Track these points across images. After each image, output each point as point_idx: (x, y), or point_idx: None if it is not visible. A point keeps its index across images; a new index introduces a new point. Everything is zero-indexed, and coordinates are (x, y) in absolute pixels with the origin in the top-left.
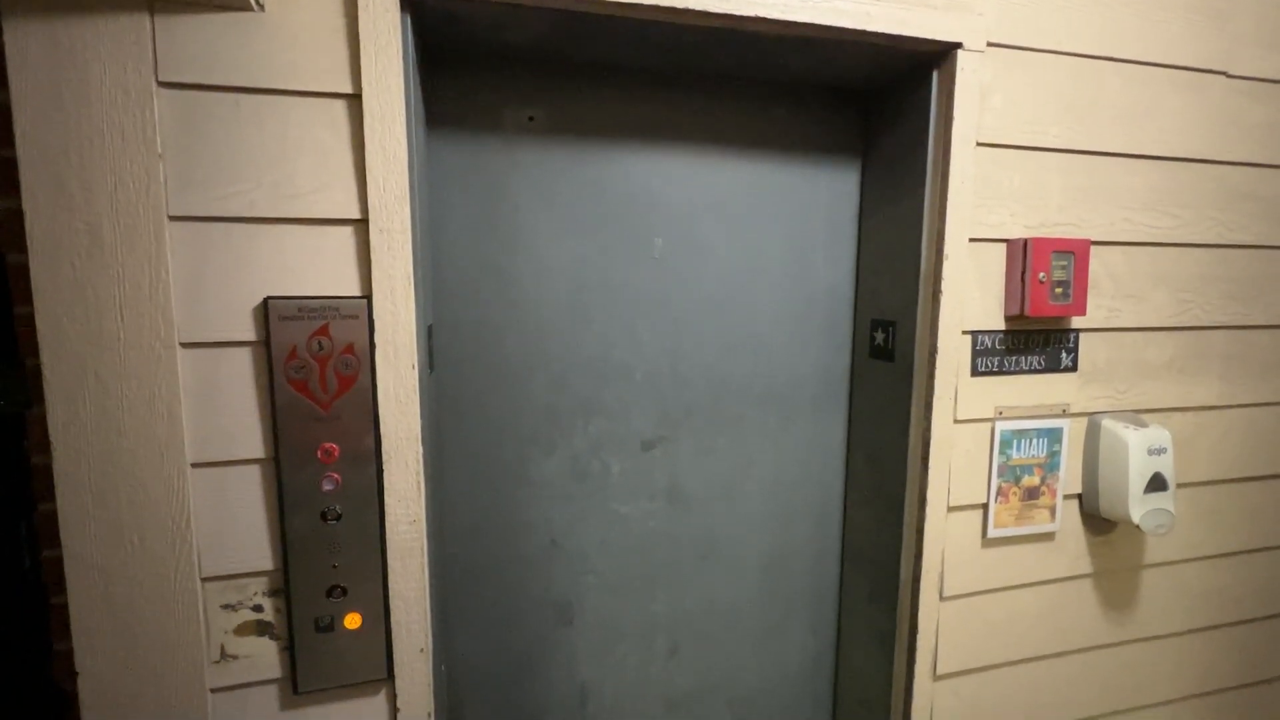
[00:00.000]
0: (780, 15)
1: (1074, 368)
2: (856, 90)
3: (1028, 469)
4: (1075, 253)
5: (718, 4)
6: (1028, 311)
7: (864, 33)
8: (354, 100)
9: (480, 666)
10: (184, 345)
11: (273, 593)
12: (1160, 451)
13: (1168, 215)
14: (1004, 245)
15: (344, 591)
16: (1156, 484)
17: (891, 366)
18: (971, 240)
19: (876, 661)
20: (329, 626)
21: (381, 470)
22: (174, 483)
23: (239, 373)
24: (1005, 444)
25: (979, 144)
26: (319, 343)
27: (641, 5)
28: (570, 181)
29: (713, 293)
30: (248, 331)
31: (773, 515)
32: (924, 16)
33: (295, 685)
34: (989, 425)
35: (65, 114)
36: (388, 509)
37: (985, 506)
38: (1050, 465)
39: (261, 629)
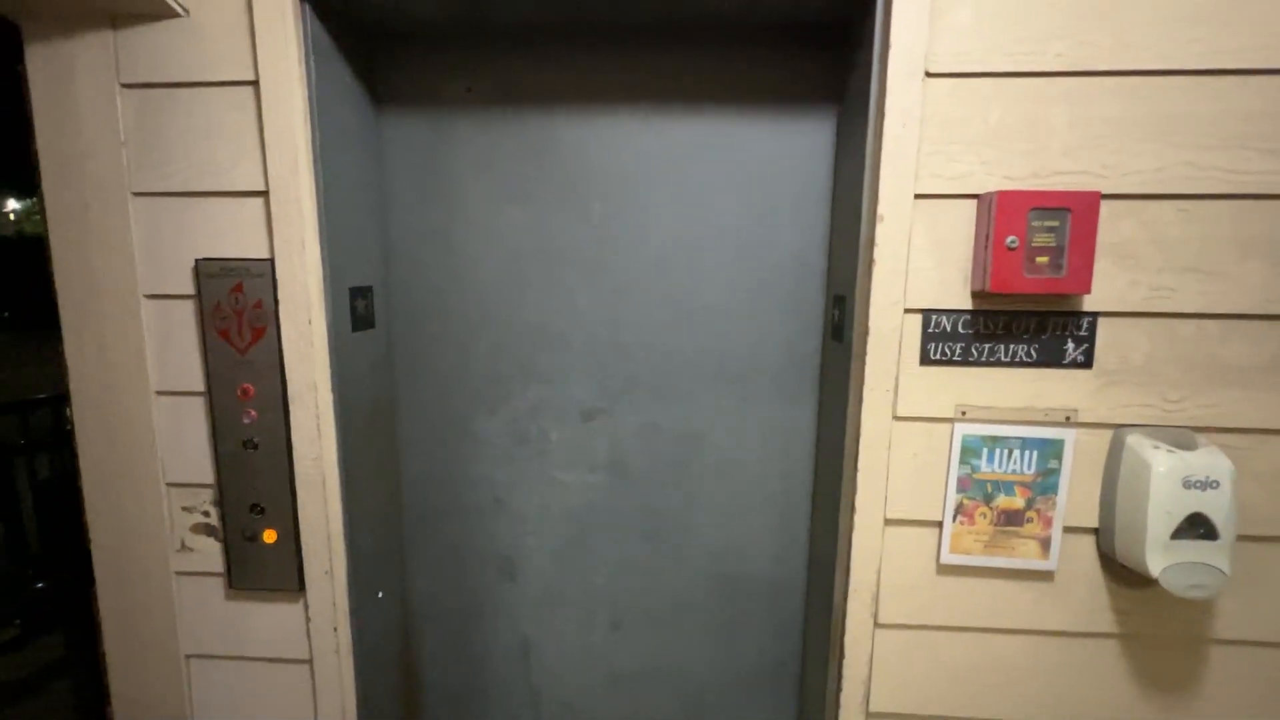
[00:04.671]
0: None
1: (1086, 363)
2: (826, 27)
3: (1006, 487)
4: (1072, 210)
5: None
6: (988, 286)
7: None
8: (256, 86)
9: (433, 605)
10: (147, 296)
11: (216, 503)
12: (1207, 485)
13: (1268, 154)
14: (974, 203)
15: (262, 510)
16: (1197, 528)
17: (841, 348)
18: (919, 197)
19: (818, 683)
20: (253, 537)
21: (288, 411)
22: (145, 406)
23: (184, 320)
24: (970, 452)
25: (930, 74)
26: (235, 298)
27: None
28: (508, 149)
29: (656, 259)
30: (188, 286)
31: (726, 502)
32: None
33: (231, 581)
34: (946, 426)
35: (63, 115)
36: (295, 445)
37: (939, 525)
38: (1042, 486)
39: (209, 531)
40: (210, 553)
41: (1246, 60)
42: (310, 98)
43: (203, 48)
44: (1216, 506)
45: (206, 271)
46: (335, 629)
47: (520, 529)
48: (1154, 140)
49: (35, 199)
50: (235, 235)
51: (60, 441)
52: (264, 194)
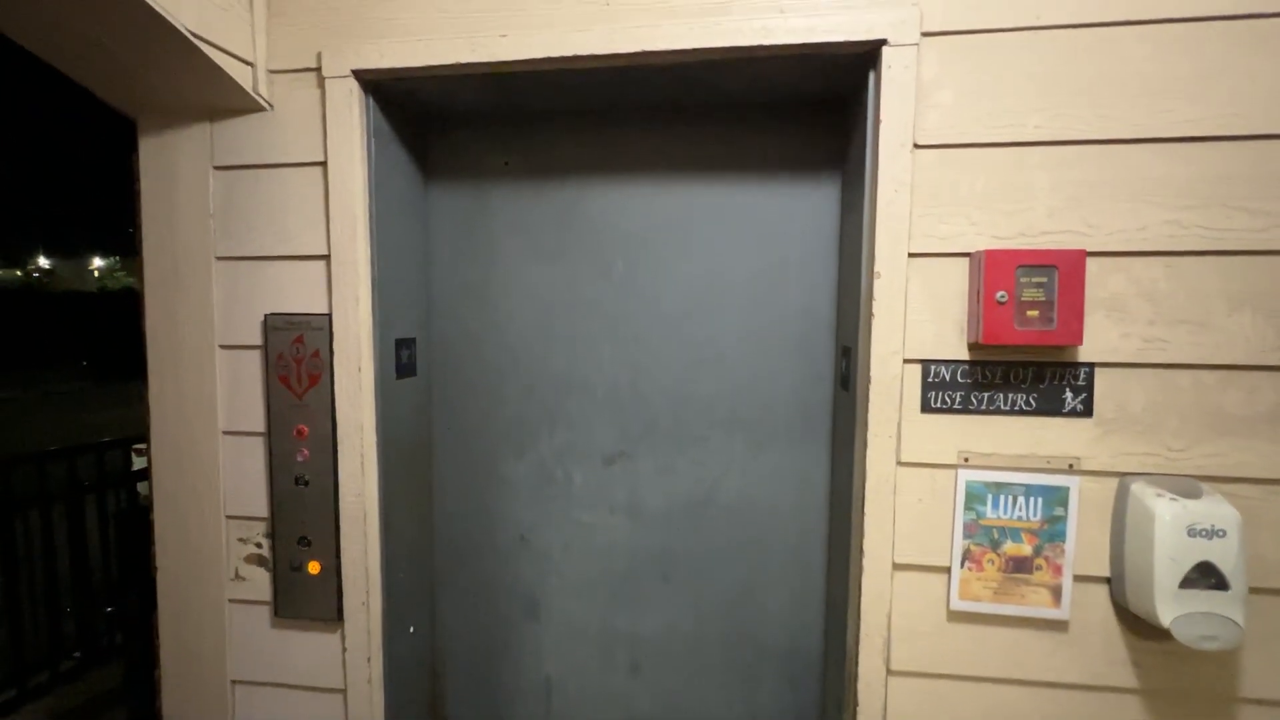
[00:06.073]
0: (667, 45)
1: (1086, 412)
2: (827, 102)
3: (1012, 533)
4: (1059, 267)
5: (602, 45)
6: (981, 339)
7: (770, 47)
8: (325, 166)
9: (459, 641)
10: (221, 347)
11: (268, 535)
12: (1213, 534)
13: (1248, 213)
14: (966, 260)
15: (309, 543)
16: (1207, 578)
17: (848, 397)
18: (913, 255)
19: None
20: (299, 568)
21: (336, 450)
22: (213, 444)
23: (251, 368)
24: (975, 497)
25: (919, 146)
26: (296, 348)
27: (536, 59)
28: (539, 213)
29: (673, 312)
30: (256, 338)
31: (742, 546)
32: (835, 20)
33: (276, 610)
34: (950, 472)
35: (165, 192)
36: (340, 482)
37: (947, 570)
38: (1049, 533)
39: (261, 561)
40: (260, 582)
41: (1215, 128)
42: (369, 175)
43: (282, 135)
44: (1224, 555)
45: (273, 325)
46: (369, 660)
47: (544, 568)
48: (1134, 201)
49: (117, 259)
50: (299, 293)
51: (128, 480)
52: (326, 258)
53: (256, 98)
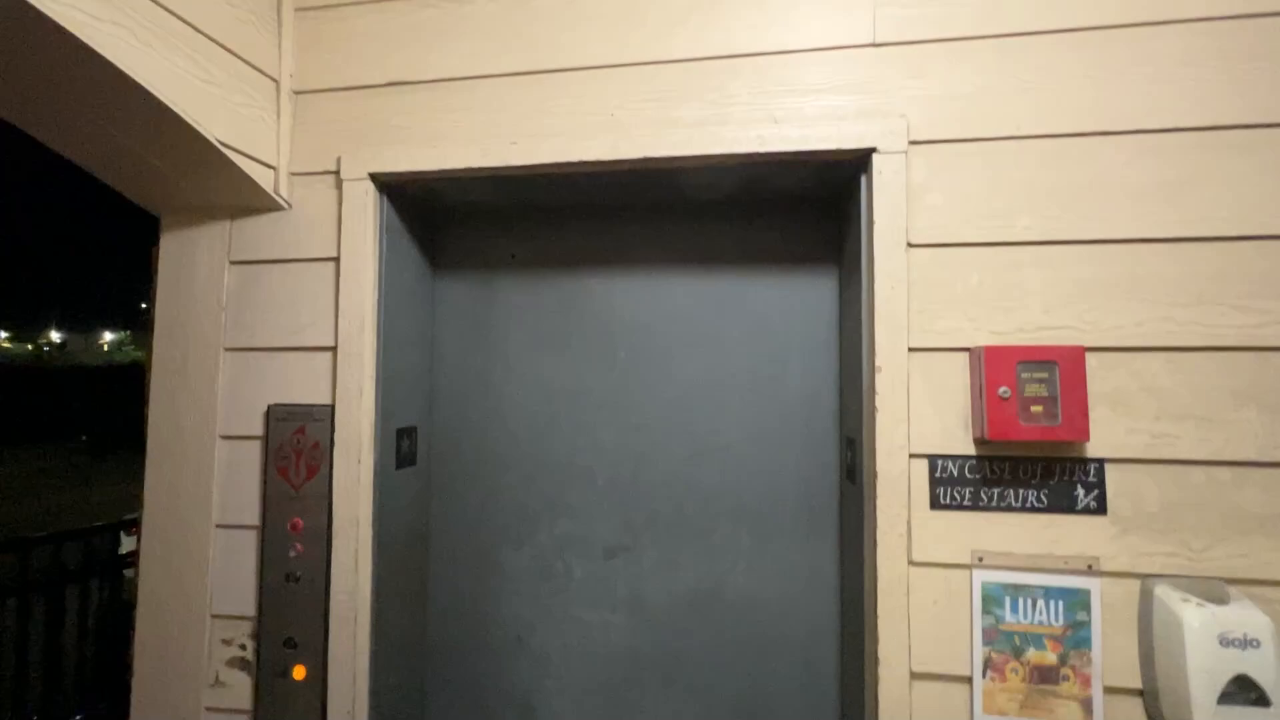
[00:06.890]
0: (669, 153)
1: (1100, 509)
2: (822, 200)
3: (1035, 640)
4: (1059, 363)
5: (607, 152)
6: (987, 434)
7: (765, 154)
8: (337, 261)
9: None
10: (222, 437)
11: (253, 636)
12: (1247, 644)
13: (1241, 310)
14: (966, 355)
15: (295, 644)
16: (1246, 692)
17: (855, 490)
18: (913, 350)
19: None
20: (284, 673)
21: (330, 545)
22: (205, 538)
23: (250, 458)
24: (992, 600)
25: (912, 245)
26: (297, 439)
27: (544, 164)
28: (544, 303)
29: (676, 400)
30: (258, 429)
31: (749, 646)
32: (826, 130)
33: None
34: (964, 573)
35: (181, 286)
36: (332, 580)
37: (969, 680)
38: (1074, 640)
39: (243, 665)
40: (241, 689)
41: (1199, 229)
42: (380, 269)
43: (298, 233)
44: (1261, 667)
45: (276, 415)
46: None
47: (541, 670)
48: (1128, 298)
49: (127, 332)
50: (303, 385)
51: (115, 567)
52: (332, 349)
53: (276, 198)
